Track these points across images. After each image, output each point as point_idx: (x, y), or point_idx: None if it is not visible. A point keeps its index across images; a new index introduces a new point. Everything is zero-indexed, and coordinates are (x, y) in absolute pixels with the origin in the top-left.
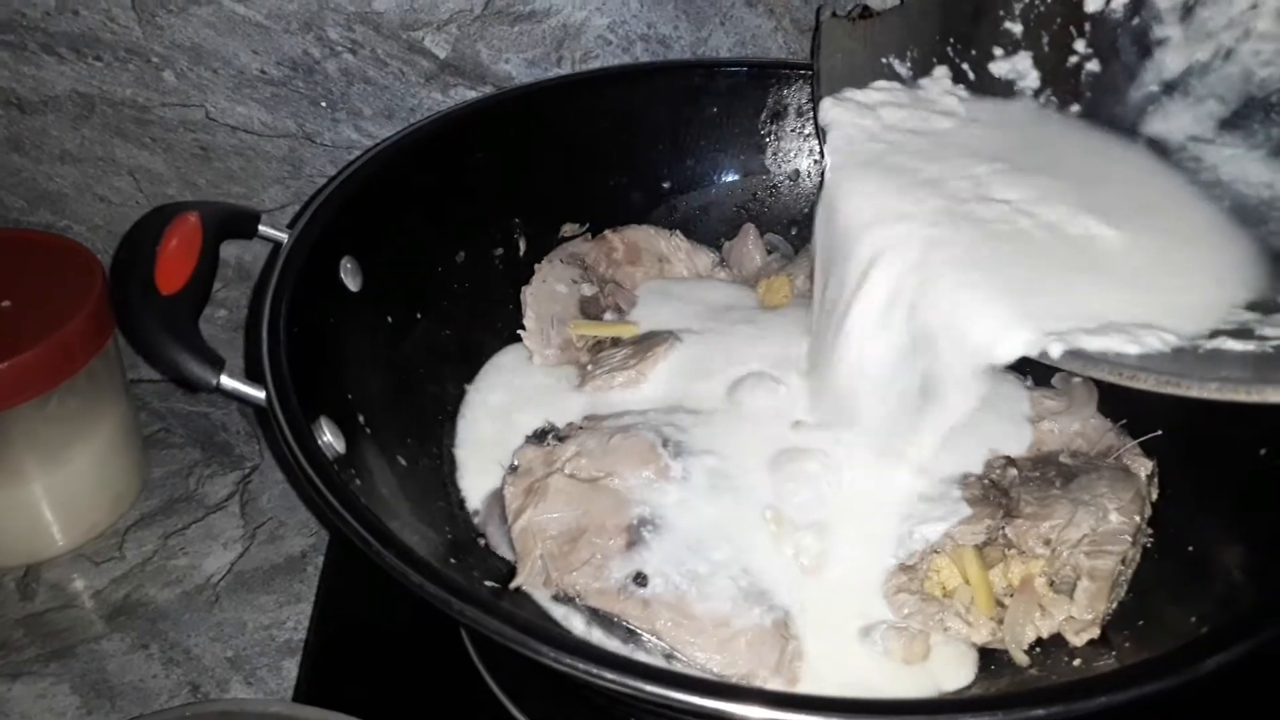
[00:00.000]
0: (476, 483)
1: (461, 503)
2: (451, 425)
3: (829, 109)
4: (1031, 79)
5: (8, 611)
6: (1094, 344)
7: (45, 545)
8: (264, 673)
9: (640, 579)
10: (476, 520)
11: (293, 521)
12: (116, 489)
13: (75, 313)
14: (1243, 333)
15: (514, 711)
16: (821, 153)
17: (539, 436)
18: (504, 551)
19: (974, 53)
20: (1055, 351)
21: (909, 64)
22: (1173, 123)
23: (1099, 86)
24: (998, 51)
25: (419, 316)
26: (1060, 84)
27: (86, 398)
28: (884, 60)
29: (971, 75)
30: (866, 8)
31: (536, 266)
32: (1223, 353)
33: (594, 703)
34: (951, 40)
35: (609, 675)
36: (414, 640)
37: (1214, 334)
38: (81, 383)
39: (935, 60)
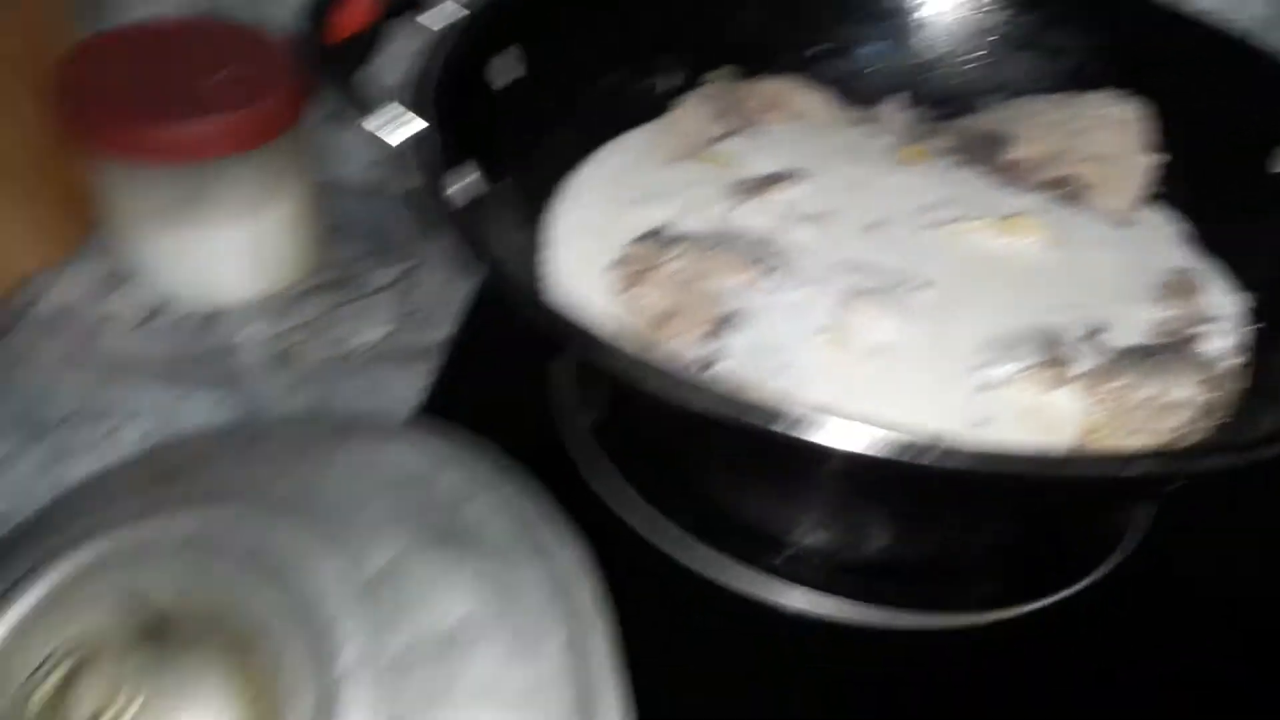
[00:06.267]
0: None
1: None
2: None
3: None
4: None
5: (188, 348)
6: None
7: (229, 292)
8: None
9: (710, 366)
10: None
11: (441, 314)
12: (294, 256)
13: (272, 90)
14: None
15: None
16: None
17: (647, 237)
18: None
19: None
20: None
21: None
22: None
23: None
24: None
25: (569, 119)
26: None
27: (279, 165)
28: None
29: None
30: None
31: (671, 102)
32: None
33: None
34: None
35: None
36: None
37: None
38: (277, 149)
39: None
